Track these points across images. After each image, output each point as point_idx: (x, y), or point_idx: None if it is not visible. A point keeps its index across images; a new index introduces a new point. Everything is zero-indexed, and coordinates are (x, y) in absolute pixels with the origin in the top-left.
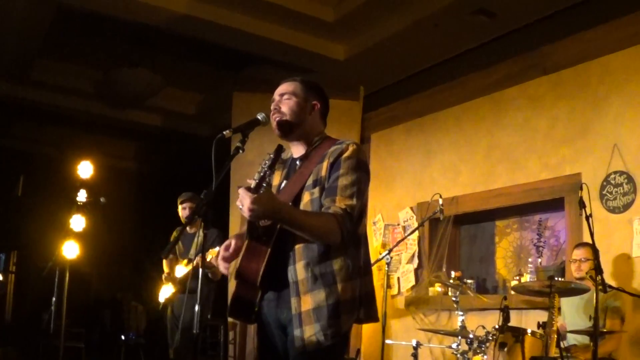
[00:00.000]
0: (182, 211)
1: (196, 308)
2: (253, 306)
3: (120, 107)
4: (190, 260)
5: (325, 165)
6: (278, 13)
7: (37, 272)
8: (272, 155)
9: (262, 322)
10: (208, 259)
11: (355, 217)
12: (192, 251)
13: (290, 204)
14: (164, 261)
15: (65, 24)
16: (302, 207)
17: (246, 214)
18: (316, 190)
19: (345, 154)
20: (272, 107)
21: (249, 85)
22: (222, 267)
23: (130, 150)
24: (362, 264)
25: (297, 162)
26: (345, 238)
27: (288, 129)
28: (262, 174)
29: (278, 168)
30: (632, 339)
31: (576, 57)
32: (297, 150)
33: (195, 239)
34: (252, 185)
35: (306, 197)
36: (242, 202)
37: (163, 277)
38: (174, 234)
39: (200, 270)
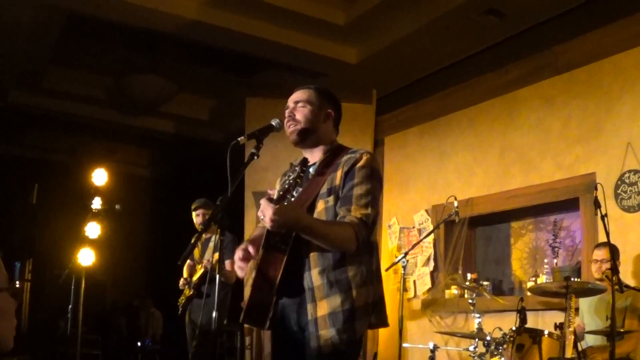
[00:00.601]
0: (196, 218)
1: (214, 314)
2: (268, 312)
3: (133, 113)
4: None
5: (339, 174)
6: (289, 17)
7: (53, 279)
8: (297, 168)
9: (276, 328)
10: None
11: (371, 225)
12: (207, 256)
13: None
14: (184, 267)
15: (76, 32)
16: (316, 215)
17: (268, 224)
18: (331, 199)
19: (360, 164)
20: (286, 114)
21: (262, 91)
22: (239, 271)
23: (143, 156)
24: (374, 270)
25: (310, 170)
26: (360, 246)
27: (303, 137)
28: (286, 185)
29: (290, 175)
30: None
31: (588, 56)
32: (310, 157)
33: (211, 244)
34: (275, 196)
35: (320, 205)
36: (264, 213)
37: (181, 282)
38: (193, 240)
39: (218, 276)
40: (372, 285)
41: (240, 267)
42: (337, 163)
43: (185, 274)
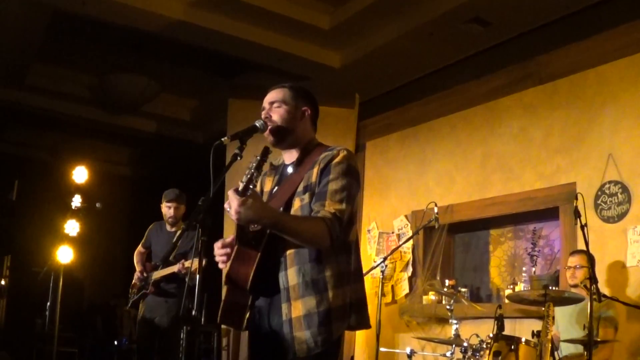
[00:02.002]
0: (167, 210)
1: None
2: (244, 312)
3: (116, 112)
4: (167, 261)
5: (315, 171)
6: (274, 20)
7: (32, 276)
8: (258, 157)
9: (253, 329)
10: (186, 264)
11: (345, 222)
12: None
13: (280, 209)
14: (135, 258)
15: (61, 29)
16: (292, 212)
17: (233, 217)
18: (306, 196)
19: (336, 160)
20: (262, 116)
21: (244, 92)
22: (220, 264)
23: (125, 155)
24: (353, 271)
25: (289, 169)
26: (335, 243)
27: (281, 137)
28: (249, 176)
29: (270, 174)
30: (628, 350)
31: (571, 66)
32: (288, 156)
33: (175, 241)
34: (240, 188)
35: (297, 203)
36: (230, 205)
37: (136, 276)
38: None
39: (198, 276)
40: (349, 286)
41: (221, 254)
42: (314, 161)
43: (138, 267)
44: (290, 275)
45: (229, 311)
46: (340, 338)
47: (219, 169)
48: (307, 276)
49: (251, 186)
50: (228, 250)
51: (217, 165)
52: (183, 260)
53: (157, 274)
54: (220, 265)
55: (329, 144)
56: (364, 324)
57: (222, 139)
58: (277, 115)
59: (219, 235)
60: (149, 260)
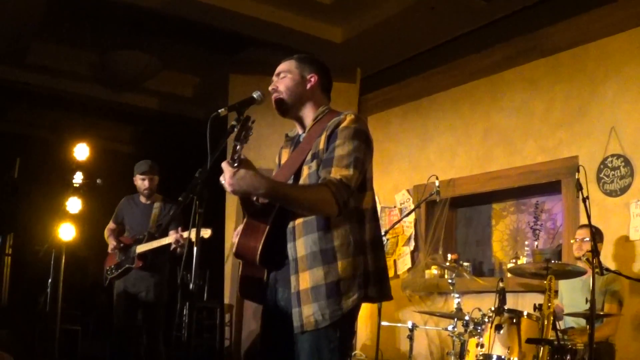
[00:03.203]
0: (141, 182)
1: (191, 286)
2: (262, 285)
3: (117, 90)
4: (151, 235)
5: (323, 138)
6: None
7: (33, 254)
8: (236, 126)
9: (266, 302)
10: (185, 236)
11: (353, 188)
12: (150, 224)
13: (290, 179)
14: (105, 234)
15: (61, 7)
16: (301, 181)
17: (228, 189)
18: (314, 164)
19: (343, 124)
20: (269, 88)
21: (246, 68)
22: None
23: (126, 133)
24: (368, 240)
25: (302, 138)
26: (343, 210)
27: (285, 107)
28: (234, 149)
29: (286, 146)
30: (633, 324)
31: (573, 39)
32: (300, 127)
33: (153, 212)
34: (230, 158)
35: (305, 172)
36: (224, 177)
37: (111, 250)
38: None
39: (195, 249)
40: (362, 256)
41: None
42: (323, 127)
43: (112, 242)
44: (299, 246)
45: (247, 285)
46: (353, 311)
47: (218, 142)
48: (315, 246)
49: (236, 157)
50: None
51: (216, 138)
52: (180, 228)
53: (143, 247)
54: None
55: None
56: (386, 295)
57: (219, 111)
58: (282, 85)
59: (218, 208)
60: (123, 235)
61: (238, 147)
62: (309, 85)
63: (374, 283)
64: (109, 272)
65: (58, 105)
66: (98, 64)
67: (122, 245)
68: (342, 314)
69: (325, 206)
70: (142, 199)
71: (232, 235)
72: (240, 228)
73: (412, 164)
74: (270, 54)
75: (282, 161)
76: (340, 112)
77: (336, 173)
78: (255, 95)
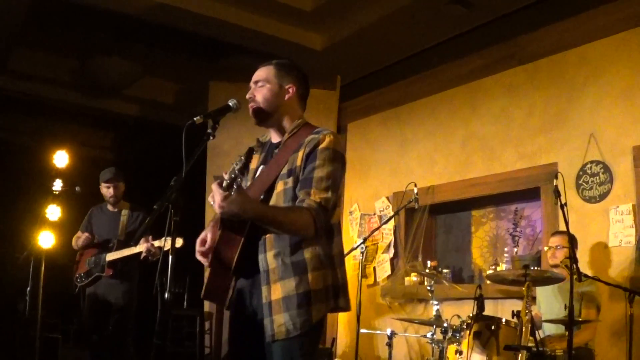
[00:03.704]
0: (106, 190)
1: (166, 295)
2: (227, 292)
3: (98, 96)
4: (120, 243)
5: (300, 155)
6: (256, 2)
7: (12, 261)
8: (242, 158)
9: (234, 310)
10: (156, 244)
11: (331, 210)
12: (119, 232)
13: (264, 192)
14: (73, 242)
15: (42, 13)
16: (275, 195)
17: (217, 210)
18: (290, 180)
19: (322, 145)
20: (247, 96)
21: (226, 75)
22: (203, 261)
23: (107, 139)
24: (336, 254)
25: (275, 148)
26: (319, 231)
27: (262, 117)
28: (233, 175)
29: (257, 151)
30: (611, 329)
31: (552, 47)
32: (275, 135)
33: (120, 219)
34: (224, 184)
35: (280, 187)
36: (213, 198)
37: (78, 258)
38: (90, 211)
39: (170, 257)
40: (330, 269)
41: (205, 260)
42: (300, 143)
43: (79, 247)
44: (270, 259)
45: (212, 289)
46: (321, 321)
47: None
48: (286, 259)
49: (235, 185)
50: (206, 258)
51: (193, 146)
52: (151, 237)
53: (113, 255)
54: (205, 263)
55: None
56: (346, 306)
57: (195, 118)
58: (260, 95)
59: (197, 217)
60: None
61: (239, 177)
62: (287, 97)
63: (343, 294)
64: (78, 280)
65: (38, 112)
66: (78, 70)
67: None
68: (312, 324)
69: (304, 230)
70: (109, 207)
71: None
72: (197, 246)
73: (392, 171)
74: (251, 61)
75: (252, 165)
76: (316, 127)
77: (315, 195)
78: (231, 103)
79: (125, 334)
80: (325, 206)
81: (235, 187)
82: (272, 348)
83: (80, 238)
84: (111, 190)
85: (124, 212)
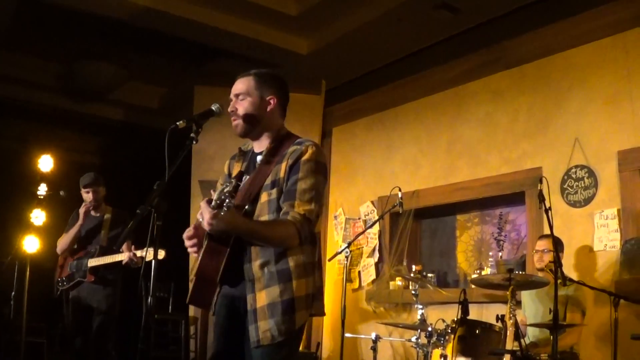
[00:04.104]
0: (86, 195)
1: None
2: (211, 299)
3: (83, 100)
4: (102, 249)
5: (284, 166)
6: (241, 6)
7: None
8: (234, 182)
9: (219, 316)
10: (138, 254)
11: (314, 221)
12: (101, 237)
13: (249, 202)
14: (58, 242)
15: (28, 17)
16: (259, 206)
17: (206, 227)
18: (274, 192)
19: (305, 157)
20: (229, 109)
21: (211, 79)
22: (192, 250)
23: (92, 144)
24: (316, 261)
25: (258, 158)
26: (303, 242)
27: (246, 131)
28: (223, 197)
29: (238, 160)
30: (596, 333)
31: (538, 51)
32: (257, 145)
33: (103, 223)
34: (213, 203)
35: (264, 197)
36: (202, 216)
37: (60, 261)
38: (73, 214)
39: (153, 261)
40: (312, 277)
41: (190, 245)
42: (283, 153)
43: (62, 252)
44: (255, 268)
45: (197, 295)
46: (302, 327)
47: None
48: (272, 267)
49: (224, 206)
50: (195, 240)
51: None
52: (133, 247)
53: (95, 262)
54: (190, 251)
55: (295, 131)
56: (321, 311)
57: (178, 123)
58: (242, 108)
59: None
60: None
61: (229, 201)
62: (268, 108)
63: (317, 299)
64: (60, 284)
65: (23, 116)
66: (64, 74)
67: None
68: (295, 330)
69: (289, 242)
70: (92, 212)
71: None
72: (185, 239)
73: (377, 175)
74: (236, 65)
75: (233, 173)
76: (298, 137)
77: (299, 207)
78: (214, 107)
79: (107, 339)
80: (309, 217)
81: (225, 207)
82: (255, 353)
83: (67, 233)
84: (91, 195)
85: (107, 216)
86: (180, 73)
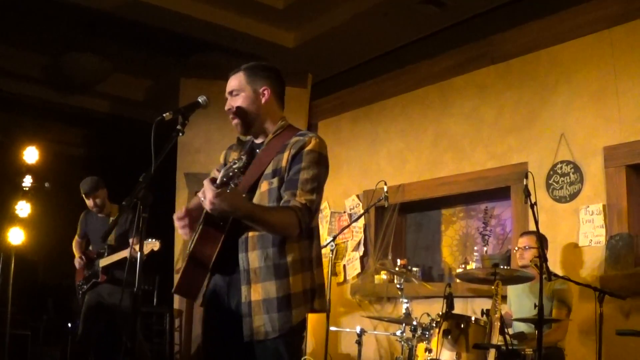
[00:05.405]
0: (88, 201)
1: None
2: (200, 288)
3: (68, 92)
4: (111, 248)
5: (286, 156)
6: None
7: None
8: (243, 158)
9: (209, 306)
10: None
11: (314, 211)
12: (111, 236)
13: (247, 190)
14: (73, 246)
15: (13, 8)
16: (258, 195)
17: (207, 207)
18: (275, 180)
19: (308, 147)
20: (225, 109)
21: (197, 72)
22: (182, 232)
23: (77, 136)
24: (314, 256)
25: (257, 148)
26: (302, 232)
27: (246, 126)
28: (231, 173)
29: (236, 149)
30: (581, 329)
31: (524, 47)
32: (259, 138)
33: (112, 224)
34: (218, 181)
35: (264, 186)
36: (204, 194)
37: (77, 263)
38: (81, 217)
39: (139, 254)
40: (310, 272)
41: (181, 226)
42: (284, 144)
43: (77, 253)
44: (252, 258)
45: (185, 285)
46: (302, 323)
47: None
48: (269, 260)
49: (231, 184)
50: (187, 221)
51: (163, 142)
52: (133, 241)
53: (105, 261)
54: (181, 232)
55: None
56: (323, 308)
57: (164, 115)
58: (237, 105)
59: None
60: (88, 249)
61: (238, 175)
62: (263, 100)
63: (319, 296)
64: (80, 287)
65: (8, 108)
66: (49, 66)
67: (83, 259)
68: (291, 326)
69: (290, 230)
70: (98, 214)
71: (181, 239)
72: (175, 221)
73: (362, 169)
74: (222, 58)
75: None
76: (299, 129)
77: (301, 197)
78: (200, 99)
79: (128, 337)
80: (310, 207)
81: (232, 185)
82: (251, 348)
83: (75, 243)
84: (91, 202)
85: (112, 216)
86: (166, 65)
